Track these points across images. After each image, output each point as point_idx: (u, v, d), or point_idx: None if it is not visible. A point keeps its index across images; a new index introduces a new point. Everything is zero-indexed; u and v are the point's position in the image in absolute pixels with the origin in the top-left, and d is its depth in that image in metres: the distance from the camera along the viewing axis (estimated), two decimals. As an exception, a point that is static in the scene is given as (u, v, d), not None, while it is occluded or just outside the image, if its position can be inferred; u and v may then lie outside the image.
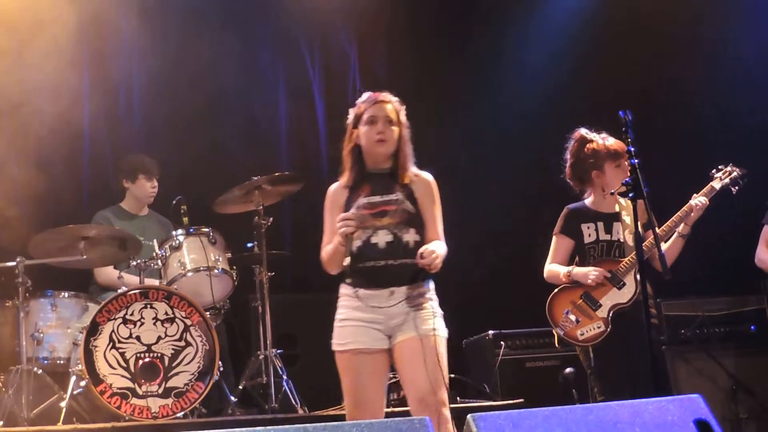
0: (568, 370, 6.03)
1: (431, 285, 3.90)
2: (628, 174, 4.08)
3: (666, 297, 6.09)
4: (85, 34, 6.80)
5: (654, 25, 7.47)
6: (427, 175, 4.00)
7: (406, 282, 3.83)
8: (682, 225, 4.73)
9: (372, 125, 3.91)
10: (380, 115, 3.92)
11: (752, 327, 6.30)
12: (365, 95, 4.01)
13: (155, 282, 5.79)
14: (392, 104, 3.97)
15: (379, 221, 3.84)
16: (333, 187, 4.03)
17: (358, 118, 3.96)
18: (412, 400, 3.80)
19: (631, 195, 4.01)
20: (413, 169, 3.97)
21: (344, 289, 3.92)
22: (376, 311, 3.81)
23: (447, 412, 3.75)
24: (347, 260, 3.76)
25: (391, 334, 3.83)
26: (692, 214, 4.71)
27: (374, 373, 3.85)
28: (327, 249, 3.92)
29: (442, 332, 3.84)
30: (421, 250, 3.76)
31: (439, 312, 3.88)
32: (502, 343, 6.48)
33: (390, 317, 3.81)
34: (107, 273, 6.00)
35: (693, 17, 7.39)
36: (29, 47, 6.43)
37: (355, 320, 3.85)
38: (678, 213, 4.74)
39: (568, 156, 4.90)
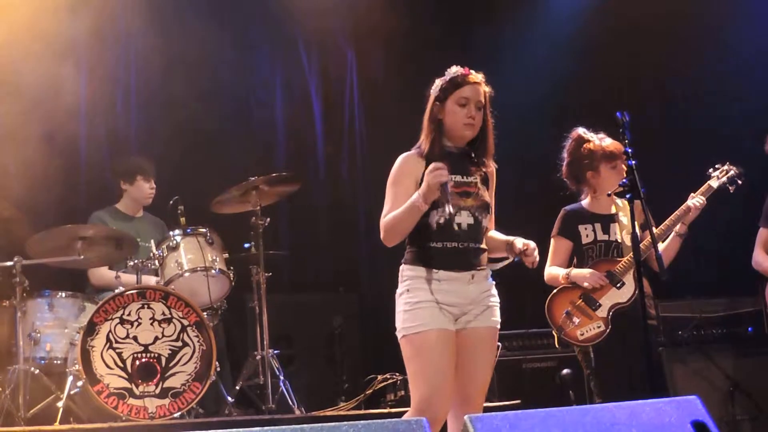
0: (565, 371, 6.03)
1: None
2: (624, 176, 4.07)
3: (663, 298, 6.08)
4: (84, 35, 6.80)
5: (654, 25, 7.47)
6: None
7: (482, 267, 3.80)
8: (680, 225, 4.72)
9: (463, 107, 3.79)
10: (473, 99, 3.80)
11: (749, 328, 6.31)
12: (456, 69, 3.87)
13: (153, 279, 5.80)
14: (483, 86, 3.85)
15: (464, 201, 3.75)
16: (406, 155, 3.83)
17: (446, 93, 3.83)
18: (458, 396, 3.72)
19: (628, 196, 4.01)
20: None
21: (416, 271, 3.74)
22: (455, 294, 3.71)
23: (481, 411, 3.74)
24: (448, 209, 3.61)
25: (459, 318, 3.73)
26: (690, 214, 4.70)
27: (449, 357, 3.69)
28: (398, 211, 3.69)
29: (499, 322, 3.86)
30: (520, 244, 3.72)
31: None
32: (499, 344, 6.44)
33: (468, 302, 3.73)
34: (101, 274, 5.99)
35: (693, 17, 7.40)
36: (26, 48, 6.43)
37: (432, 302, 3.68)
38: (676, 212, 4.72)
39: (565, 155, 4.90)
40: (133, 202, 6.32)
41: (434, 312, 3.67)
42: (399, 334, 3.74)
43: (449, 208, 3.63)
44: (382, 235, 3.78)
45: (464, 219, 3.74)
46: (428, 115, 3.85)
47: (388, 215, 3.74)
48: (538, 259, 3.74)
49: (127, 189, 6.30)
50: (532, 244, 3.74)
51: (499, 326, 3.85)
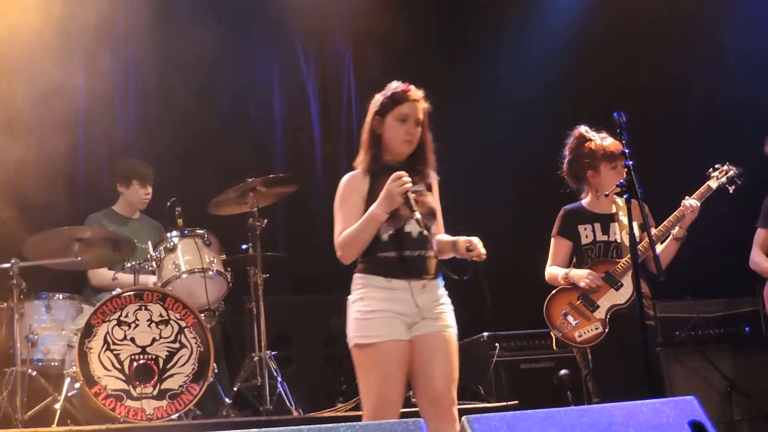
0: (563, 371, 6.03)
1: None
2: (624, 176, 4.06)
3: (661, 299, 6.08)
4: (82, 36, 6.79)
5: (653, 25, 7.48)
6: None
7: (434, 274, 3.81)
8: (677, 228, 4.71)
9: (402, 123, 3.84)
10: (413, 116, 3.85)
11: (747, 328, 6.30)
12: (396, 84, 3.90)
13: (151, 278, 5.79)
14: (422, 103, 3.89)
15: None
16: (350, 176, 3.88)
17: (386, 108, 3.86)
18: (425, 398, 3.74)
19: (625, 196, 4.01)
20: None
21: (369, 280, 3.76)
22: (407, 303, 3.71)
23: (456, 411, 3.72)
24: (418, 215, 3.63)
25: (412, 326, 3.74)
26: (686, 217, 4.69)
27: (403, 368, 3.70)
28: (355, 226, 3.73)
29: (456, 328, 3.85)
30: (463, 241, 3.74)
31: None
32: (497, 344, 6.47)
33: (421, 309, 3.73)
34: (101, 274, 5.99)
35: (693, 17, 7.40)
36: (26, 49, 6.42)
37: (385, 311, 3.69)
38: (675, 213, 4.71)
39: (566, 152, 4.88)
40: (128, 205, 6.32)
41: (388, 322, 3.69)
42: (350, 343, 3.75)
43: (417, 215, 3.65)
44: (339, 254, 3.79)
45: (413, 227, 3.76)
46: (368, 129, 3.90)
47: (343, 233, 3.76)
48: (484, 252, 3.71)
49: (122, 192, 6.30)
50: (474, 239, 3.74)
51: (454, 330, 3.82)
